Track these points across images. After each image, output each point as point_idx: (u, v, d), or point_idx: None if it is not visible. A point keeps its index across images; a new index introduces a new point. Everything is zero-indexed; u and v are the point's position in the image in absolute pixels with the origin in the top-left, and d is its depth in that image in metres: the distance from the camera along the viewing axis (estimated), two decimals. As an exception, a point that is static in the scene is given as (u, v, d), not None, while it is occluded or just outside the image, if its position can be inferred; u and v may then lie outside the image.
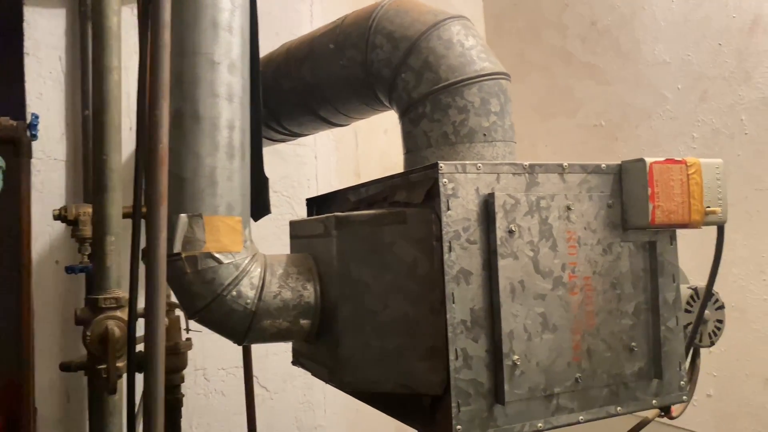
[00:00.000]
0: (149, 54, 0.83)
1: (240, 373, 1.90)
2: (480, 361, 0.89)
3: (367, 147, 2.63)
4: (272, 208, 2.46)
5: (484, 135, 1.13)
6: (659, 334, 1.01)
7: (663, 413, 1.14)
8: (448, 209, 0.88)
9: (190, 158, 0.97)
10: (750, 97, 1.79)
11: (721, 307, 1.20)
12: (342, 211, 1.25)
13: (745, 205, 1.80)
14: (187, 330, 1.49)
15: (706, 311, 1.16)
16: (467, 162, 0.90)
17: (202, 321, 1.00)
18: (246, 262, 1.00)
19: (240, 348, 1.83)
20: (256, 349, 2.26)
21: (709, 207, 0.99)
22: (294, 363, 1.22)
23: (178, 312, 1.46)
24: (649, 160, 0.97)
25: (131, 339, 0.82)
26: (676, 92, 1.99)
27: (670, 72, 2.01)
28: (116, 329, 0.84)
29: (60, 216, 1.37)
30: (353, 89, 1.29)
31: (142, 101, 0.84)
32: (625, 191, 1.00)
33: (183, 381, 1.49)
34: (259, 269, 1.02)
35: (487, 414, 0.89)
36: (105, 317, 0.85)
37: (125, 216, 1.20)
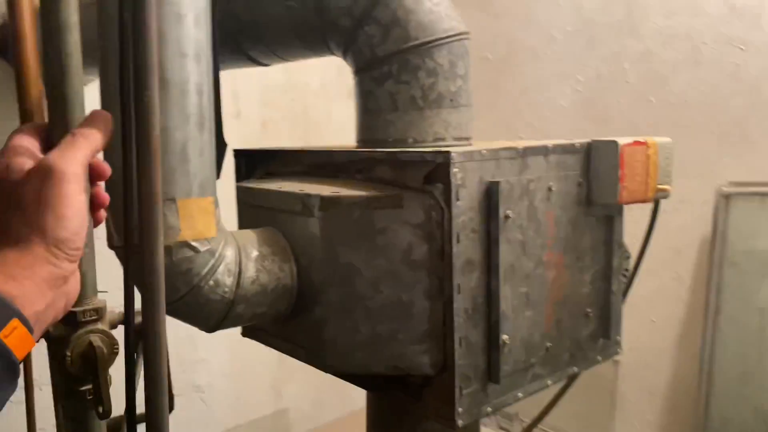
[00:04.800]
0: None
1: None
2: (477, 345, 0.92)
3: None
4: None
5: (451, 100, 1.09)
6: (609, 299, 1.11)
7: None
8: (458, 200, 0.86)
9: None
10: (634, 48, 1.93)
11: (629, 257, 1.34)
12: (291, 173, 1.17)
13: (620, 148, 1.98)
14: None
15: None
16: (473, 149, 0.88)
17: (171, 312, 0.90)
18: (221, 246, 0.90)
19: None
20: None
21: (660, 185, 1.08)
22: (246, 335, 1.16)
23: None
24: (620, 142, 1.02)
25: (130, 357, 0.71)
26: (566, 34, 2.08)
27: (561, 14, 2.08)
28: (102, 346, 0.73)
29: None
30: (299, 34, 1.17)
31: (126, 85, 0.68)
32: (593, 169, 1.05)
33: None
34: (232, 252, 0.92)
35: (482, 393, 0.93)
36: (86, 332, 0.72)
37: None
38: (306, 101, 2.59)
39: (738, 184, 1.70)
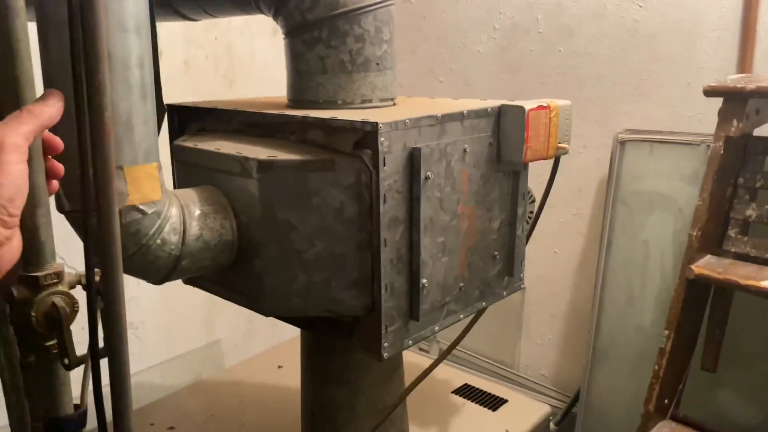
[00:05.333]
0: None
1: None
2: (401, 290, 1.05)
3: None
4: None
5: (377, 64, 1.18)
6: (513, 242, 1.27)
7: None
8: (384, 165, 0.97)
9: (104, 105, 0.87)
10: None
11: (533, 201, 1.51)
12: (224, 131, 1.23)
13: (532, 96, 2.12)
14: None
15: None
16: (398, 120, 0.98)
17: (123, 270, 0.98)
18: (166, 207, 0.98)
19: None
20: (63, 229, 2.09)
21: (560, 143, 1.23)
22: (189, 283, 1.24)
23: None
24: (526, 107, 1.15)
25: (92, 314, 0.80)
26: (484, -18, 2.17)
27: (479, -39, 2.15)
28: (65, 306, 0.80)
29: None
30: (229, -6, 1.20)
31: (77, 65, 0.73)
32: (502, 131, 1.17)
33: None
34: (176, 212, 1.00)
35: (404, 329, 1.07)
36: (48, 294, 0.80)
37: None
38: (229, 39, 2.57)
39: (632, 132, 1.89)
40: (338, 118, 1.01)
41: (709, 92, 1.51)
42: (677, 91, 1.84)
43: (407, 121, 0.99)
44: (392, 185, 0.99)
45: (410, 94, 1.48)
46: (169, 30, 2.33)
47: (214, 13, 1.29)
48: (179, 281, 1.25)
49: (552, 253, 2.21)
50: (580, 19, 1.98)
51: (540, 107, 1.17)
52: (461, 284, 1.17)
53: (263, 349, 2.63)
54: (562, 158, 1.99)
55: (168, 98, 1.26)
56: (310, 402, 1.38)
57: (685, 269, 1.53)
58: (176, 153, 1.18)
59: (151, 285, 2.44)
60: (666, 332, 1.57)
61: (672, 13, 1.81)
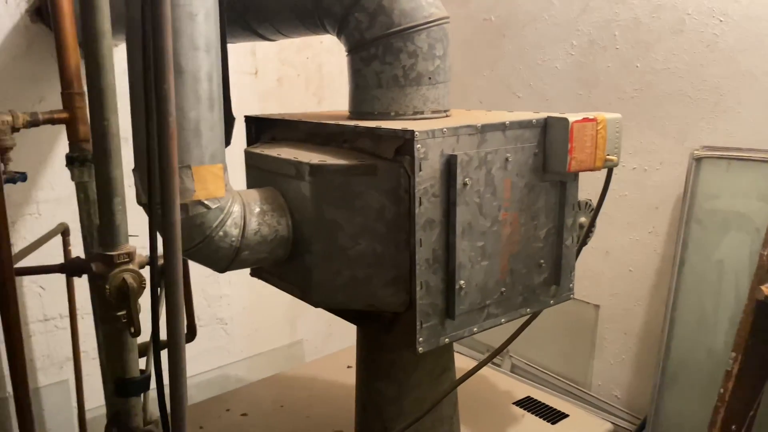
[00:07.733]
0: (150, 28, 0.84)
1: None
2: (437, 288, 1.11)
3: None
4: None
5: (429, 78, 1.26)
6: (561, 252, 1.29)
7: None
8: (420, 170, 1.04)
9: (176, 113, 1.01)
10: (624, 15, 2.03)
11: (592, 211, 1.51)
12: (291, 139, 1.35)
13: (608, 110, 2.11)
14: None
15: (583, 218, 1.47)
16: (435, 128, 1.05)
17: (189, 257, 1.11)
18: (228, 204, 1.10)
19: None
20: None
21: (609, 155, 1.24)
22: (254, 275, 1.37)
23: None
24: (571, 119, 1.18)
25: (154, 291, 0.93)
26: (562, 0, 2.19)
27: (559, -21, 2.18)
28: (133, 282, 0.94)
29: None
30: (299, 16, 1.33)
31: (147, 75, 0.87)
32: (548, 142, 1.21)
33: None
34: (238, 208, 1.12)
35: (440, 327, 1.13)
36: (120, 271, 0.94)
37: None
38: (320, 58, 2.74)
39: (709, 149, 1.83)
40: (383, 127, 1.10)
41: (784, 107, 1.45)
42: (759, 107, 1.77)
43: (444, 129, 1.06)
44: (428, 189, 1.06)
45: (489, 109, 1.52)
46: (265, 51, 2.53)
47: (288, 33, 1.42)
48: (262, 282, 1.38)
49: (627, 270, 2.16)
50: (658, 34, 1.96)
51: (586, 119, 1.20)
52: (503, 289, 1.21)
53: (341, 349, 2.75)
54: (639, 175, 1.98)
55: (262, 112, 1.42)
56: (362, 396, 1.46)
57: (754, 290, 1.48)
58: (247, 158, 1.32)
59: (240, 285, 2.62)
60: (733, 354, 1.52)
61: (753, 27, 1.75)
